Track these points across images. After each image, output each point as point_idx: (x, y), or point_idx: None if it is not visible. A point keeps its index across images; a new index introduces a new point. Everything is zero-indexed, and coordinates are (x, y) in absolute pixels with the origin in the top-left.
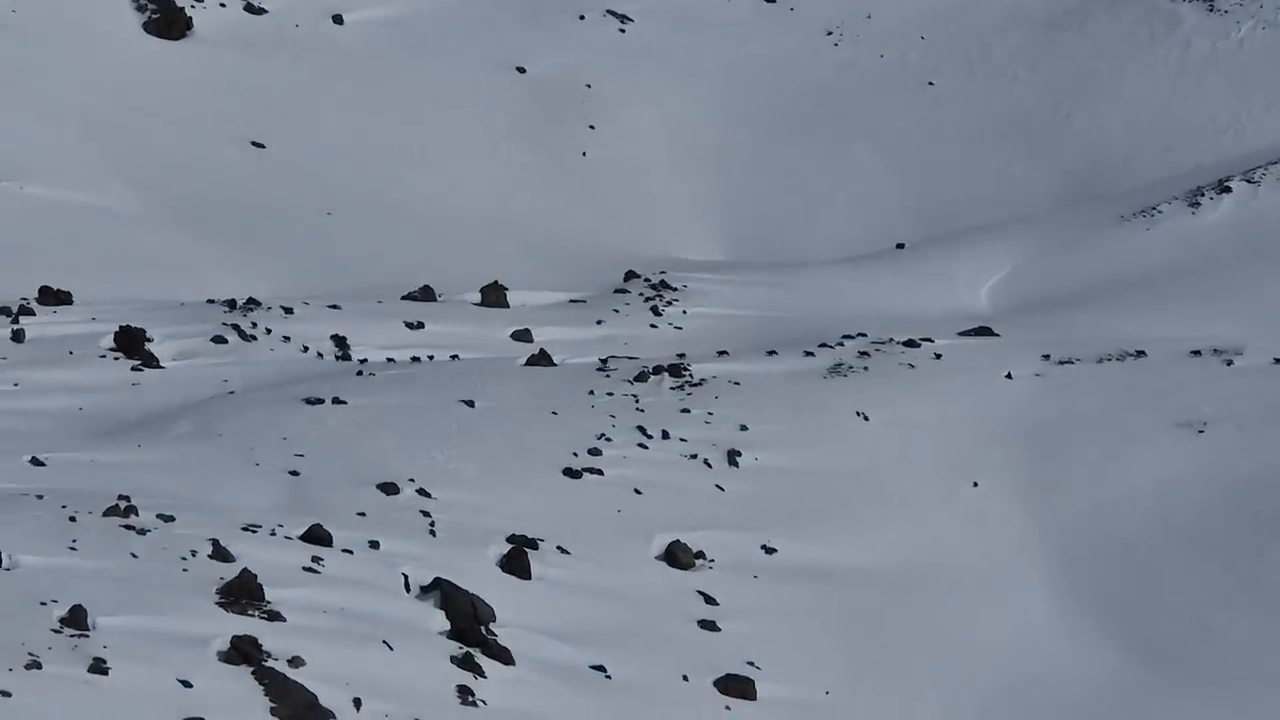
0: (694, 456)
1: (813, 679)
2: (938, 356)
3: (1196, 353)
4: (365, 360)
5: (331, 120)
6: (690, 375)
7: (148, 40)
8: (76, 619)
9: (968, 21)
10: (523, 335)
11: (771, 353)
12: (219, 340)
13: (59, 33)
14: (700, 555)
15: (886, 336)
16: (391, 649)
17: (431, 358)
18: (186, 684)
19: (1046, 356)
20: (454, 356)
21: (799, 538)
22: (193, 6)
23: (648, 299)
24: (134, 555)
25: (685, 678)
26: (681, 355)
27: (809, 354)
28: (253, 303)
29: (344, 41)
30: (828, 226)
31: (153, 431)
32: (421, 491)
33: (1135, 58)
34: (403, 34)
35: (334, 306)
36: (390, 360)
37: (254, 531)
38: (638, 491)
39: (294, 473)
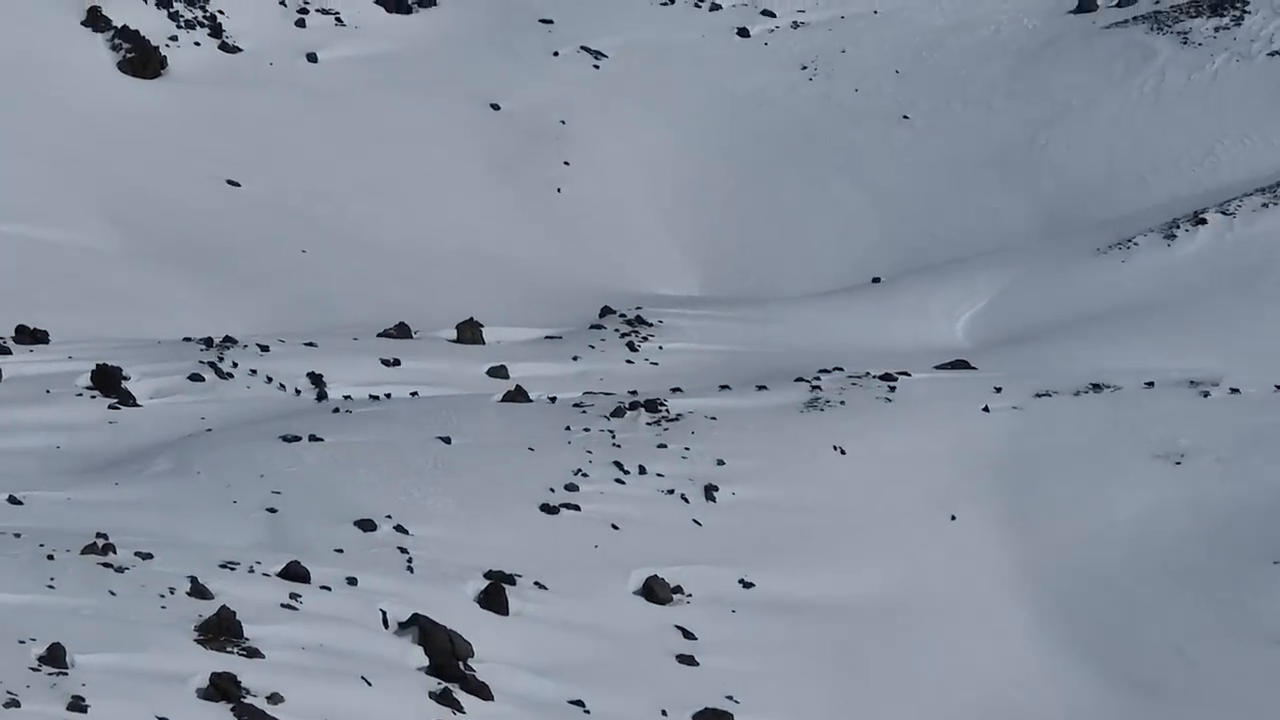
0: (671, 491)
1: (792, 713)
2: (901, 390)
3: (1173, 384)
4: (348, 397)
5: (306, 158)
6: (667, 410)
7: (123, 79)
8: (55, 657)
9: (943, 55)
10: (499, 371)
11: (748, 387)
12: (196, 378)
13: (34, 72)
14: (678, 590)
15: (863, 370)
16: (370, 685)
17: (389, 396)
18: None
19: (1020, 390)
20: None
21: (777, 572)
22: (167, 45)
23: (624, 334)
24: (112, 593)
25: (664, 712)
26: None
27: (785, 388)
28: (229, 340)
29: (318, 80)
30: (804, 261)
31: (130, 469)
32: (399, 528)
33: (1111, 90)
34: (377, 72)
35: (310, 344)
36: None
37: (232, 569)
38: (615, 527)
39: (271, 510)
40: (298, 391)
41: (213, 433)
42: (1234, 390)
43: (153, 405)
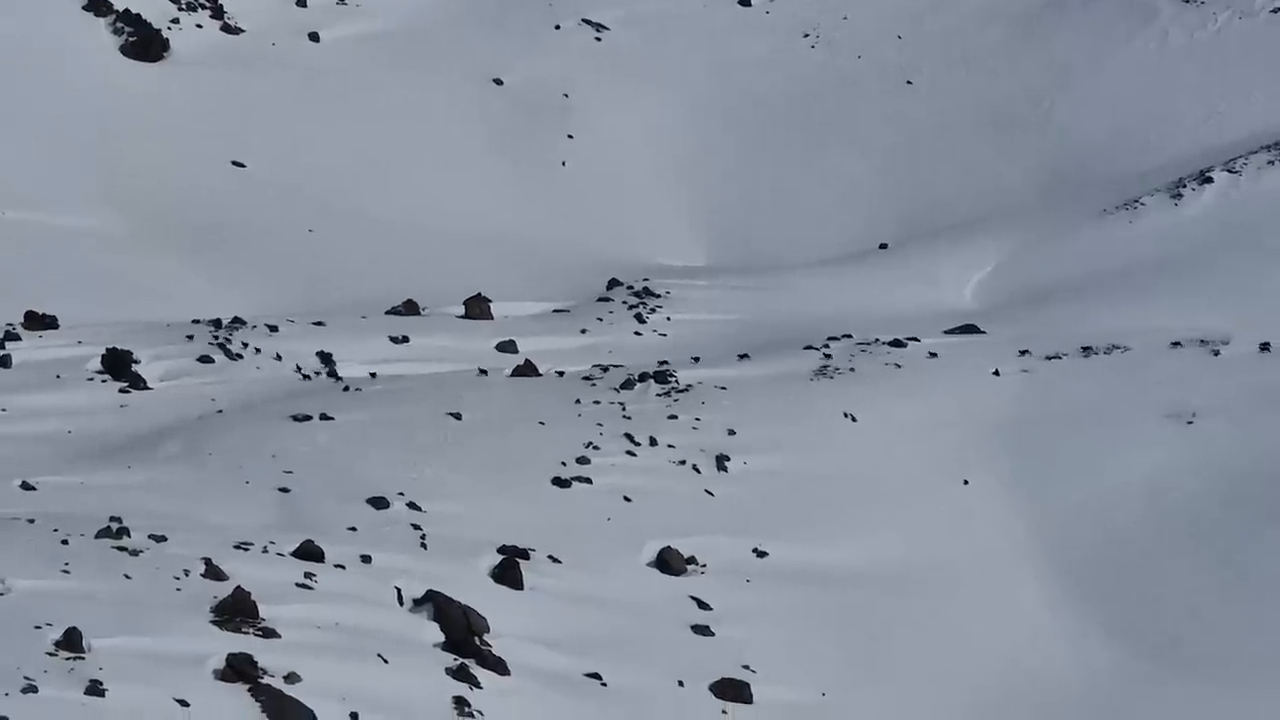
0: (683, 462)
1: (808, 681)
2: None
3: (1183, 344)
4: (372, 375)
5: (311, 138)
6: (676, 381)
7: (126, 63)
8: (72, 641)
9: (944, 18)
10: (507, 346)
11: (756, 356)
12: (205, 360)
13: (36, 58)
14: (692, 560)
15: (872, 337)
16: (387, 662)
17: (374, 375)
18: (183, 703)
19: (1030, 353)
20: (372, 374)
21: (790, 540)
22: (169, 28)
23: (631, 306)
24: (127, 576)
25: (680, 683)
26: (664, 362)
27: (795, 357)
28: (238, 321)
29: (321, 59)
30: (810, 229)
31: (142, 453)
32: (411, 505)
33: (1113, 50)
34: (379, 49)
35: (318, 323)
36: (367, 375)
37: (246, 549)
38: (627, 499)
39: (284, 490)
40: (314, 374)
41: (224, 414)
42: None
43: (163, 388)
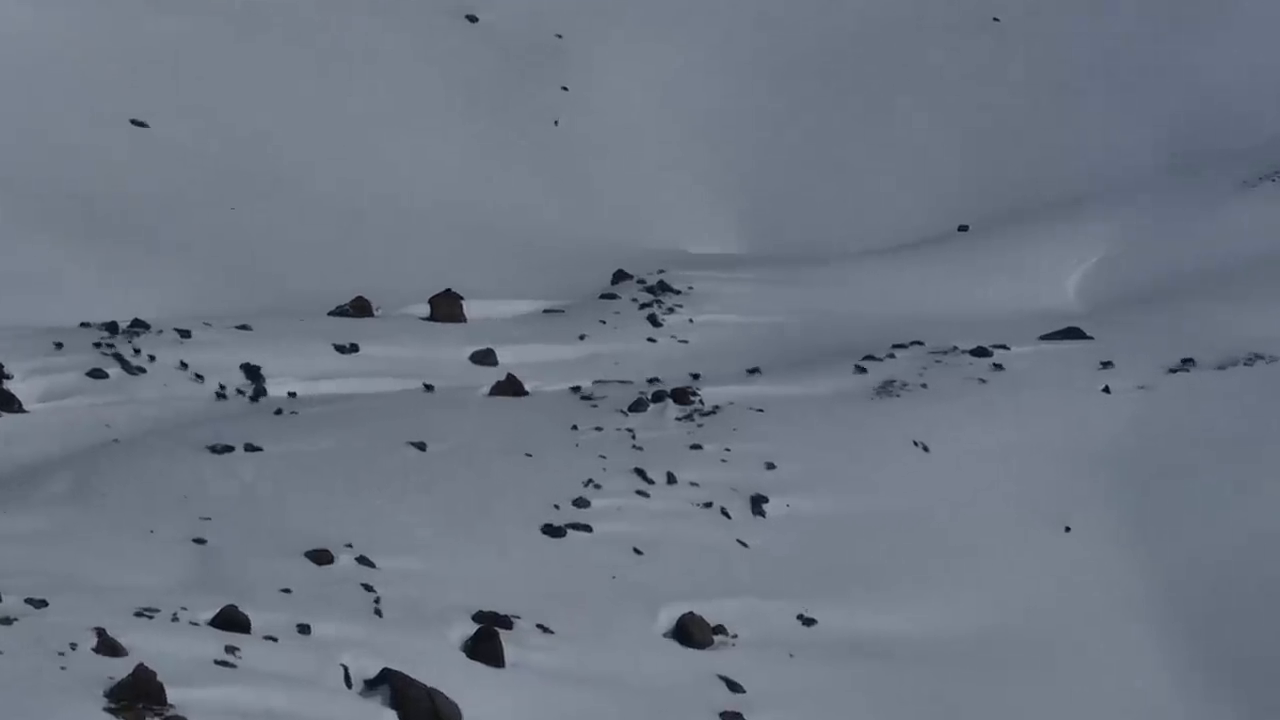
0: (708, 505)
1: None
2: (998, 367)
3: None
4: (293, 394)
5: (233, 92)
6: (701, 401)
7: None
8: None
9: None
10: (485, 357)
11: (802, 369)
12: (98, 374)
13: None
14: (720, 630)
15: (949, 344)
16: None
17: (293, 394)
18: None
19: (1148, 364)
20: (291, 394)
21: (844, 604)
22: None
23: (643, 306)
24: None
25: None
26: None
27: (852, 370)
28: (139, 325)
29: None
30: (869, 208)
31: (18, 493)
32: (362, 560)
33: None
34: None
35: (243, 327)
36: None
37: (150, 616)
38: (638, 551)
39: (199, 540)
40: (237, 392)
41: (121, 444)
42: None
43: (44, 411)
